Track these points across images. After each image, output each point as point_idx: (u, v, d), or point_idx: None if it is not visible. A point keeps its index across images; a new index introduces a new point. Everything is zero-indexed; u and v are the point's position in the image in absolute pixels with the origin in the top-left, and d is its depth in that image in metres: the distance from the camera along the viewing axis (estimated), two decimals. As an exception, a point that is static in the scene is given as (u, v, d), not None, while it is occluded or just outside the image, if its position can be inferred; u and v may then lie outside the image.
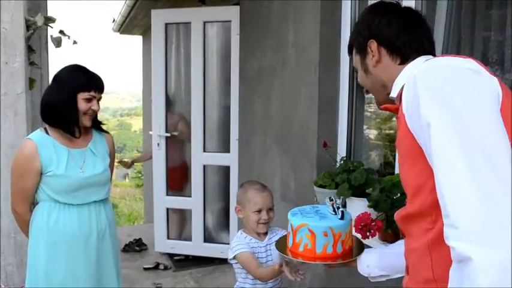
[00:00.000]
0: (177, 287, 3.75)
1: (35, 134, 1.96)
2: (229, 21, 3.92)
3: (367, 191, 2.09)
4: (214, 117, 4.18)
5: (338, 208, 1.44)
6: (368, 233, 1.77)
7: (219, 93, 4.14)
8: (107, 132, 2.17)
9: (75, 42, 3.13)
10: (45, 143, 1.92)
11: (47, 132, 1.96)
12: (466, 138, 0.81)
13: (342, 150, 2.68)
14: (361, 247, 1.46)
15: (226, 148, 4.11)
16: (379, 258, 1.39)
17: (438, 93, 0.88)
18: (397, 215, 1.12)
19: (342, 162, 2.50)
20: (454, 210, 0.79)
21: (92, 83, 1.95)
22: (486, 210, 0.76)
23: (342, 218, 1.41)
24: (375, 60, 1.17)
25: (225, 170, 4.16)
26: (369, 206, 1.97)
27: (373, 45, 1.16)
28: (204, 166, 4.17)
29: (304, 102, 2.82)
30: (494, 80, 0.91)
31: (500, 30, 1.79)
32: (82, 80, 1.93)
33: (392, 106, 1.15)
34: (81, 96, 1.92)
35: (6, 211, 2.58)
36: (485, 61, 1.81)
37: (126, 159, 4.92)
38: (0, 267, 2.62)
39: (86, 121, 1.97)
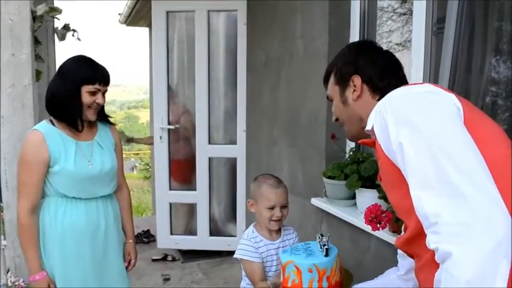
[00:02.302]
0: (185, 278, 3.76)
1: (41, 125, 1.91)
2: (235, 10, 3.88)
3: (376, 182, 2.07)
4: (221, 108, 4.13)
5: (324, 245, 1.56)
6: (378, 225, 1.75)
7: (224, 84, 4.10)
8: (112, 124, 2.12)
9: (79, 39, 3.11)
10: (53, 134, 1.87)
11: (53, 124, 1.91)
12: (432, 150, 0.89)
13: (350, 141, 2.65)
14: (350, 280, 1.60)
15: (232, 140, 4.08)
16: None
17: (403, 119, 0.97)
18: (398, 242, 1.16)
19: (351, 153, 2.48)
20: (432, 216, 0.85)
21: (97, 75, 1.88)
22: (460, 208, 0.81)
23: (327, 255, 1.53)
24: (356, 95, 1.24)
25: (232, 162, 4.14)
26: (379, 198, 1.95)
27: (357, 80, 1.24)
28: (210, 159, 4.12)
29: (313, 93, 2.79)
30: (451, 96, 1.02)
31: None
32: (86, 73, 1.86)
33: (369, 141, 1.21)
34: (85, 89, 1.86)
35: (14, 203, 2.58)
36: (498, 53, 1.77)
37: (126, 134, 4.81)
38: (8, 259, 2.63)
39: (91, 115, 1.91)
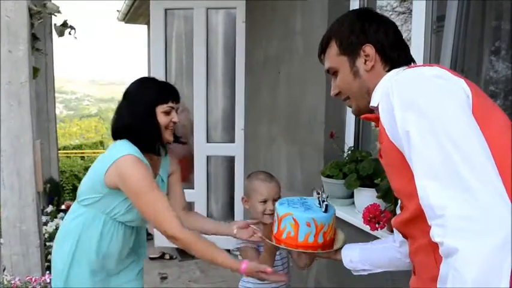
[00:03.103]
0: (182, 276, 3.75)
1: (132, 149, 1.73)
2: (234, 8, 3.86)
3: (375, 181, 2.06)
4: (219, 107, 4.12)
5: (323, 201, 1.51)
6: (377, 225, 1.74)
7: (223, 82, 4.09)
8: (183, 143, 2.00)
9: (75, 38, 3.10)
10: (145, 162, 1.75)
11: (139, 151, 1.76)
12: (440, 139, 0.86)
13: (349, 140, 2.64)
14: (343, 241, 1.55)
15: (231, 138, 4.07)
16: (360, 254, 1.49)
17: (409, 103, 0.94)
18: (395, 221, 1.15)
19: (350, 152, 2.47)
20: (438, 208, 0.82)
21: (168, 93, 1.79)
22: (467, 202, 0.79)
23: (326, 211, 1.49)
24: (370, 65, 1.16)
25: (230, 161, 4.13)
26: (378, 197, 1.94)
27: (370, 49, 1.16)
28: (208, 157, 4.11)
29: (312, 91, 2.78)
30: (461, 82, 0.97)
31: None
32: (157, 92, 1.77)
33: (372, 116, 1.16)
34: (160, 110, 1.76)
35: (12, 201, 2.57)
36: (497, 52, 1.76)
37: None
38: (4, 257, 2.62)
39: (168, 135, 1.81)
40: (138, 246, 2.01)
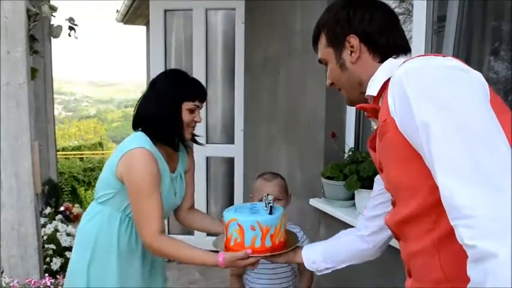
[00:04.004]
0: (182, 279, 3.73)
1: (146, 142, 1.68)
2: (233, 9, 3.85)
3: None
4: (218, 108, 4.12)
5: (269, 203, 1.51)
6: (378, 226, 1.72)
7: (222, 83, 4.08)
8: (200, 144, 1.93)
9: (76, 38, 3.09)
10: (158, 156, 1.70)
11: (154, 143, 1.71)
12: (465, 134, 0.80)
13: (349, 141, 2.63)
14: (295, 242, 1.55)
15: (230, 139, 4.06)
16: (323, 253, 1.50)
17: (430, 95, 0.86)
18: (390, 220, 1.10)
19: (350, 153, 2.46)
20: (465, 208, 0.76)
21: (196, 91, 1.74)
22: (498, 202, 0.73)
23: (271, 213, 1.48)
24: (354, 57, 1.11)
25: (229, 162, 4.12)
26: (379, 198, 1.92)
27: (354, 40, 1.11)
28: (207, 158, 4.10)
29: (311, 91, 2.77)
30: (479, 75, 0.90)
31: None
32: (186, 89, 1.72)
33: (368, 106, 1.12)
34: (186, 107, 1.71)
35: (10, 202, 2.55)
36: (498, 52, 1.76)
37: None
38: (2, 259, 2.60)
39: (188, 134, 1.77)
40: None
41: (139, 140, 1.68)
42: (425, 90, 0.87)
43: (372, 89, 1.08)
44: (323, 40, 1.19)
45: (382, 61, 1.10)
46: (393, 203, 1.11)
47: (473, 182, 0.76)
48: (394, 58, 1.09)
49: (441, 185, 0.81)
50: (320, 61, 1.23)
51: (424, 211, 0.91)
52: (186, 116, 1.72)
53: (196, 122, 1.77)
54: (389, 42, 1.10)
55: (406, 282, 1.11)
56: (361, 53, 1.11)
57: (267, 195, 1.56)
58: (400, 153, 0.96)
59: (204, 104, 1.81)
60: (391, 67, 1.05)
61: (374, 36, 1.10)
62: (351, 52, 1.11)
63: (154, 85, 1.78)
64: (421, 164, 0.89)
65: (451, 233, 0.80)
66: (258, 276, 1.93)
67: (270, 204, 1.50)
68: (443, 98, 0.84)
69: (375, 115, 1.09)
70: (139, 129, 1.76)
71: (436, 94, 0.86)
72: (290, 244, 1.52)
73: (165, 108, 1.70)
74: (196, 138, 1.89)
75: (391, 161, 1.04)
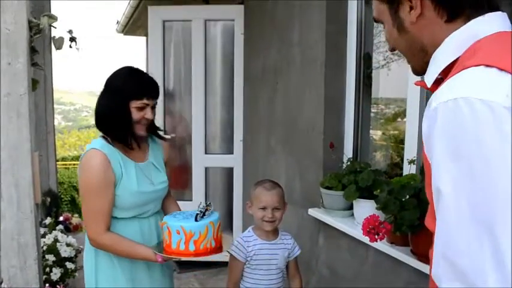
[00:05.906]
0: (181, 289, 3.72)
1: (99, 143, 1.77)
2: (232, 20, 3.88)
3: (374, 192, 2.06)
4: (217, 118, 4.13)
5: (201, 211, 1.67)
6: (376, 236, 1.74)
7: (221, 94, 4.09)
8: (163, 138, 2.01)
9: (77, 49, 3.11)
10: (114, 155, 1.76)
11: (110, 142, 1.79)
12: (477, 216, 0.68)
13: (348, 151, 2.65)
14: (226, 246, 1.76)
15: (229, 149, 4.07)
16: None
17: (455, 148, 0.71)
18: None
19: (349, 163, 2.47)
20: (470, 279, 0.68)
21: (144, 90, 1.76)
22: None
23: (196, 220, 1.63)
24: (415, 14, 0.87)
25: (229, 172, 4.12)
26: (377, 208, 1.94)
27: None
28: (206, 168, 4.10)
29: (310, 102, 2.79)
30: None
31: None
32: (133, 87, 1.75)
33: (426, 87, 0.91)
34: (133, 105, 1.75)
35: (10, 213, 2.56)
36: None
37: None
38: (2, 269, 2.60)
39: (140, 130, 1.80)
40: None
41: (94, 142, 1.80)
42: (451, 141, 0.72)
43: (435, 65, 0.87)
44: None
45: (449, 20, 0.86)
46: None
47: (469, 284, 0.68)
48: (467, 16, 0.84)
49: (434, 263, 0.75)
50: (375, 20, 1.00)
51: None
52: (134, 114, 1.77)
53: (147, 119, 1.80)
54: None
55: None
56: (423, 10, 0.87)
57: (201, 202, 1.71)
58: (427, 177, 0.85)
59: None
60: (467, 37, 0.83)
61: None
62: (410, 8, 0.88)
63: (106, 84, 1.83)
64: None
65: None
66: (255, 282, 1.99)
67: (197, 212, 1.65)
68: (467, 158, 0.69)
69: None
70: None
71: (460, 149, 0.70)
72: (218, 251, 1.69)
73: (113, 107, 1.76)
74: (160, 132, 1.97)
75: (427, 177, 0.87)
